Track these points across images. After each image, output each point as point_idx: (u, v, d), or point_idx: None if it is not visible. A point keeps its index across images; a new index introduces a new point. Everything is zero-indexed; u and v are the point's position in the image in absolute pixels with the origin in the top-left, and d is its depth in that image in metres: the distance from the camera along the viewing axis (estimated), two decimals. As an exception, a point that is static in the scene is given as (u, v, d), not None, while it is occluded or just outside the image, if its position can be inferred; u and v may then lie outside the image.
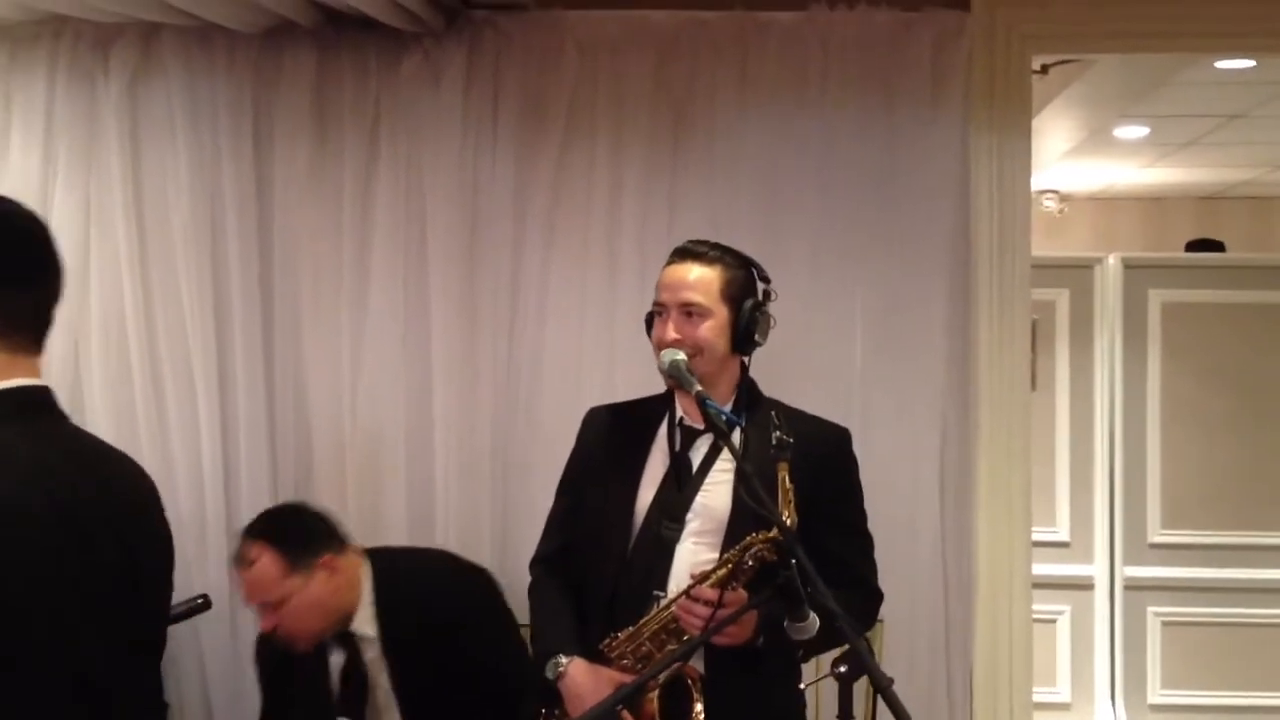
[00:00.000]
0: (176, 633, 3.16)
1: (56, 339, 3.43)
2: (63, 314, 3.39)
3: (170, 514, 3.38)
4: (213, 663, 3.54)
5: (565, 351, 3.54)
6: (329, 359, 3.60)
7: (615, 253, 3.53)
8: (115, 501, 1.86)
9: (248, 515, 3.48)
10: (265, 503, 3.52)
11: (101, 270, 3.58)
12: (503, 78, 3.56)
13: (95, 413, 3.55)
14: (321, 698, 2.97)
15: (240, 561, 2.97)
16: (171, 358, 3.57)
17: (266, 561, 2.92)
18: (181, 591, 3.20)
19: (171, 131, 3.58)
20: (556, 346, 3.54)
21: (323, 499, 3.55)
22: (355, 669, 2.97)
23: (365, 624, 2.97)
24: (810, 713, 2.84)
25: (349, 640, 2.98)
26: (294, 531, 2.99)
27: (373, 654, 2.98)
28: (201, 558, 3.53)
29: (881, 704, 2.02)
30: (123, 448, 3.37)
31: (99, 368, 3.57)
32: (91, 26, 3.58)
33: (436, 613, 2.93)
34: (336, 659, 2.97)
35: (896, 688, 1.87)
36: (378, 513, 3.51)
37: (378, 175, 3.57)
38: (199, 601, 2.95)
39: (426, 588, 2.99)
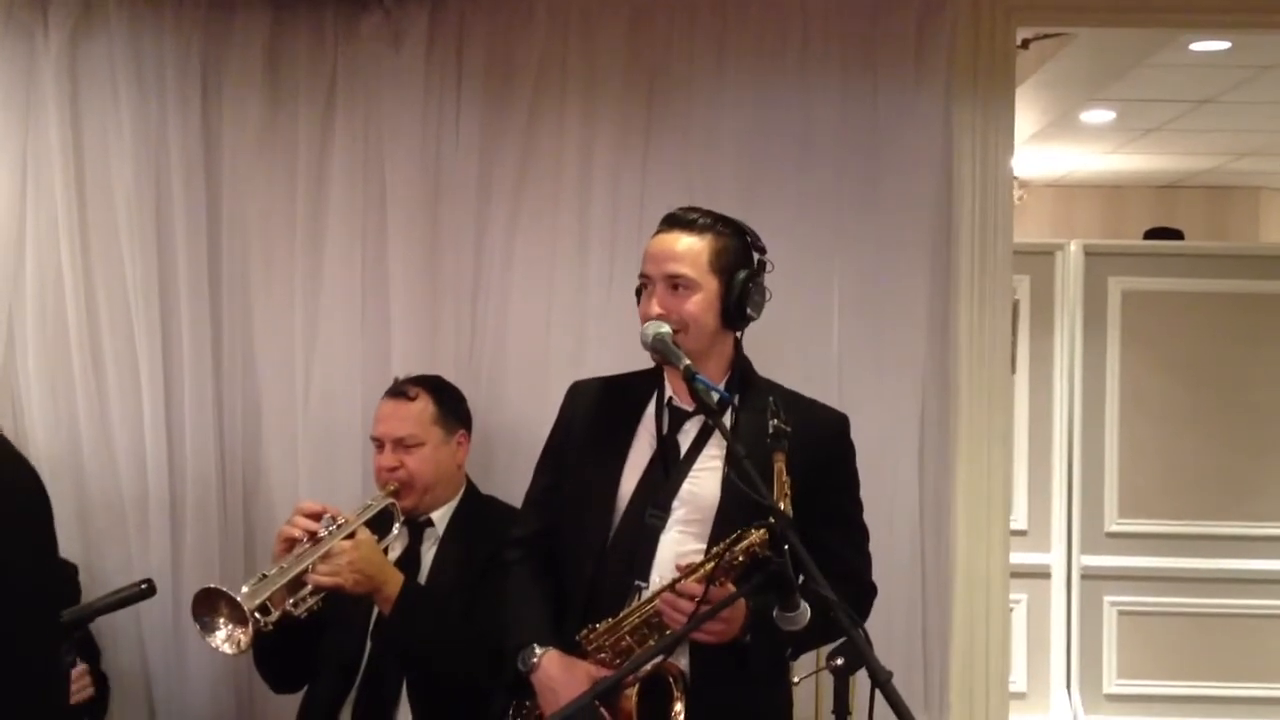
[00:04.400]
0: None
1: (-12, 312, 3.37)
2: (-6, 284, 3.38)
3: (111, 496, 3.42)
4: (153, 643, 3.44)
5: (531, 327, 3.47)
6: (280, 334, 3.51)
7: (586, 226, 3.44)
8: None
9: (192, 499, 3.47)
10: (211, 485, 3.47)
11: (38, 238, 3.46)
12: (468, 40, 3.47)
13: (30, 391, 3.43)
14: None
15: (398, 394, 3.10)
16: (112, 331, 3.46)
17: (425, 403, 3.07)
18: (123, 577, 3.18)
19: (114, 93, 3.47)
20: (522, 322, 3.47)
21: (272, 482, 3.51)
22: (410, 559, 3.03)
23: (442, 519, 3.08)
24: (808, 709, 2.75)
25: (419, 529, 3.07)
26: (453, 395, 3.16)
27: (430, 548, 3.06)
28: (143, 542, 3.43)
29: (880, 699, 1.94)
30: (60, 427, 3.43)
31: (34, 342, 3.45)
32: (28, -22, 3.44)
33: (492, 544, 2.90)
34: (394, 551, 3.01)
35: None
36: (332, 497, 3.34)
37: (334, 141, 3.49)
38: (142, 587, 2.78)
39: (501, 518, 2.99)
